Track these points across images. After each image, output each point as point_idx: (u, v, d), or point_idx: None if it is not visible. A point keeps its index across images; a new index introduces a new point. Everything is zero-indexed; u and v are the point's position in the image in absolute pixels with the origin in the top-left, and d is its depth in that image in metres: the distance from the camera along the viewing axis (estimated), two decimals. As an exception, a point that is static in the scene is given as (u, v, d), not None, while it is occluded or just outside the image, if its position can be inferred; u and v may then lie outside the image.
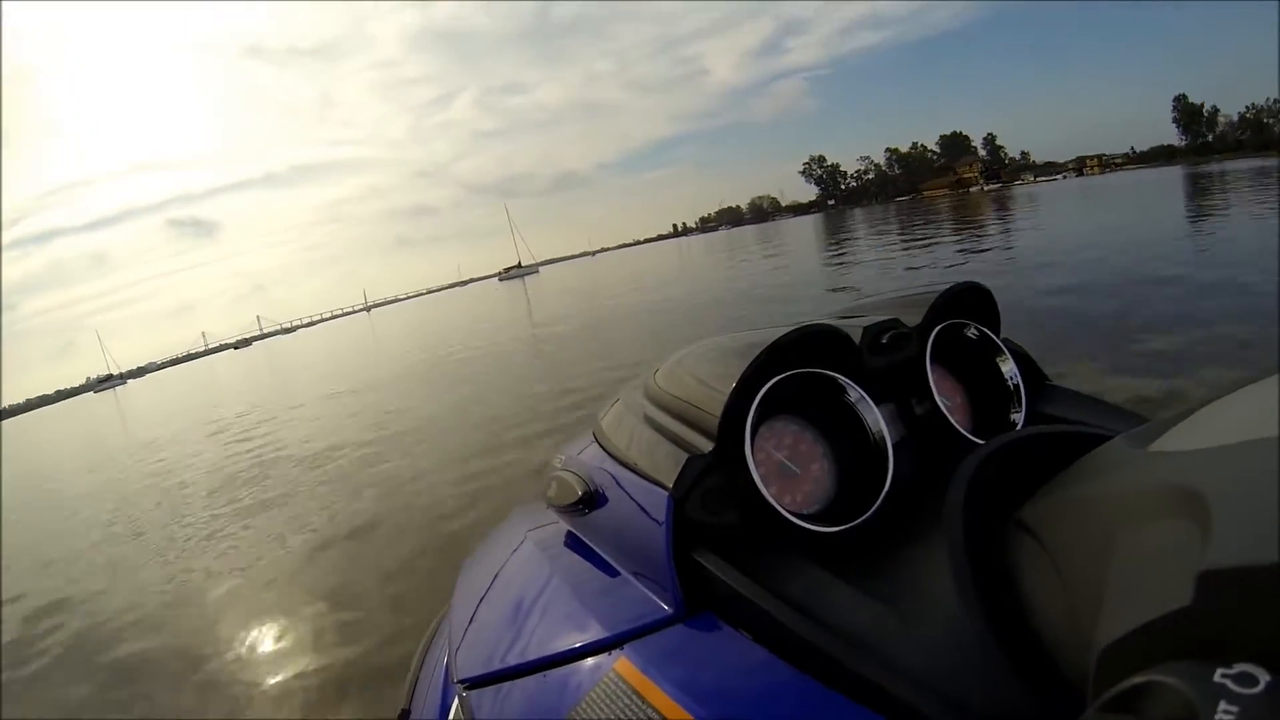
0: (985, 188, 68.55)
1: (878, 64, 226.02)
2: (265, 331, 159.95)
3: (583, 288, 21.61)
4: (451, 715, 0.42)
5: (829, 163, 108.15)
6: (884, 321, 0.53)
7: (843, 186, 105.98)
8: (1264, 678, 0.14)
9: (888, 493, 0.45)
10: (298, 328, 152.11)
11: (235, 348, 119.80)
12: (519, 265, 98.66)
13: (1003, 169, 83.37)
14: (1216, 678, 0.15)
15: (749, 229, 74.14)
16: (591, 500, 0.51)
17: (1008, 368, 0.57)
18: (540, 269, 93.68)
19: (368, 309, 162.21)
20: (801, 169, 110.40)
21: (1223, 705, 0.14)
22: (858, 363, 0.50)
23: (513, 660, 0.42)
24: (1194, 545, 0.18)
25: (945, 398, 0.54)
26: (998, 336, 0.59)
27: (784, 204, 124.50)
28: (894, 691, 0.30)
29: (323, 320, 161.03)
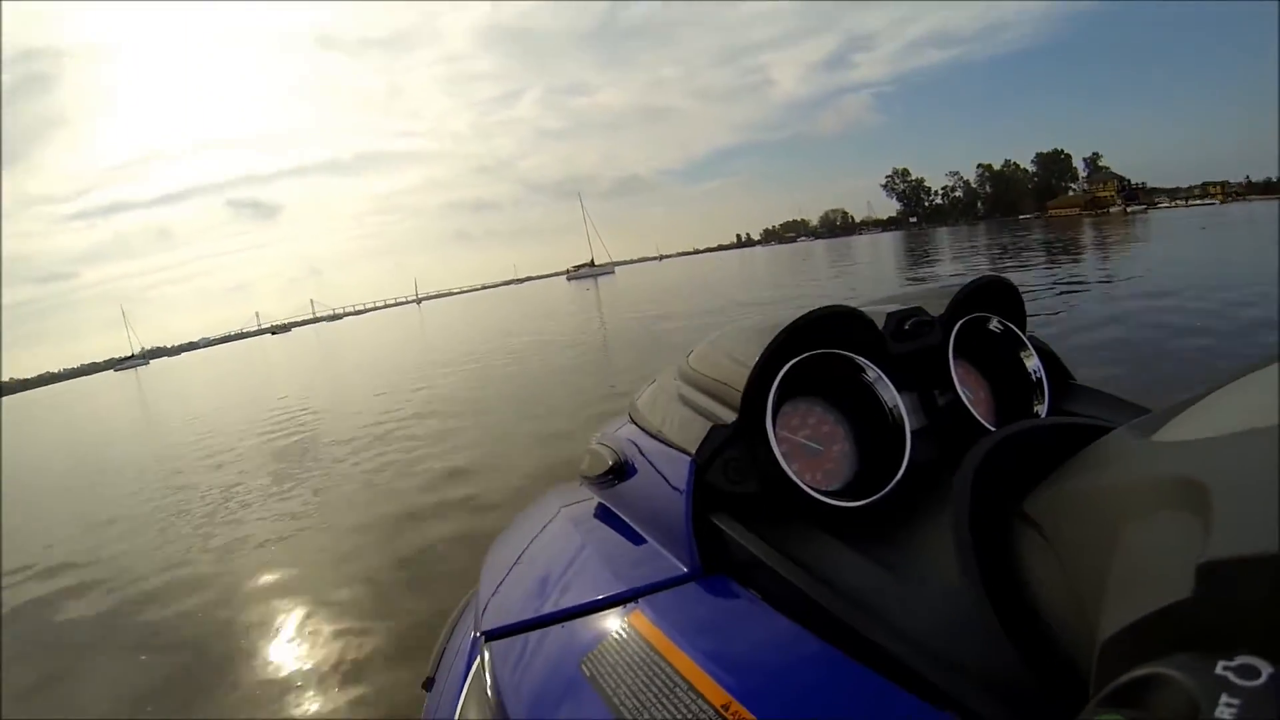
0: (1126, 210, 59.74)
1: (943, 82, 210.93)
2: (317, 315, 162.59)
3: (686, 293, 17.34)
4: (473, 669, 0.43)
5: (913, 177, 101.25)
6: (908, 309, 0.54)
7: (926, 203, 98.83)
8: (1266, 669, 0.14)
9: (905, 474, 0.45)
10: (345, 315, 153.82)
11: (273, 333, 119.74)
12: (591, 263, 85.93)
13: (1139, 190, 73.69)
14: (1218, 670, 0.15)
15: (819, 244, 69.73)
16: (621, 471, 0.52)
17: (1031, 362, 0.57)
18: (616, 269, 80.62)
19: (418, 301, 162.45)
20: (884, 182, 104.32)
21: (1224, 698, 0.14)
22: (881, 348, 0.51)
23: (534, 613, 0.44)
24: (1195, 536, 0.18)
25: (968, 390, 0.55)
26: (1023, 332, 0.59)
27: (858, 219, 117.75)
28: (892, 651, 0.30)
29: (374, 309, 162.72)
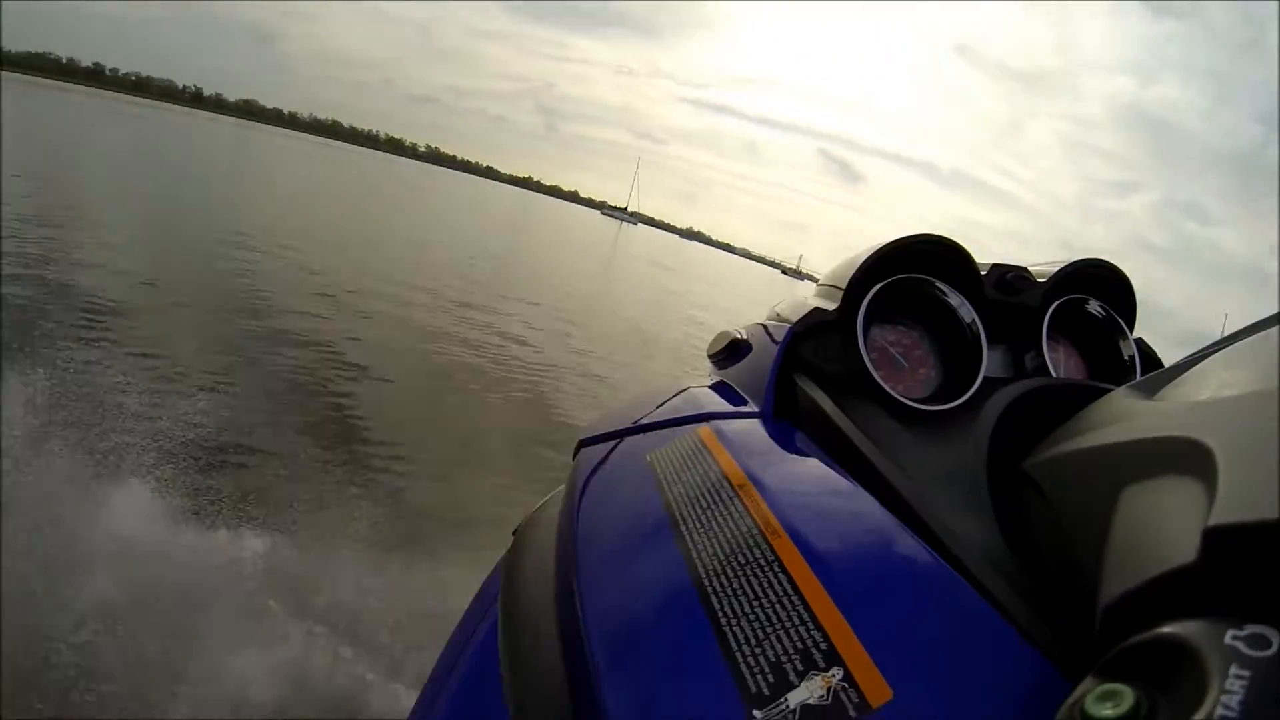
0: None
1: None
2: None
3: None
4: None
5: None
6: (1013, 265, 0.55)
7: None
8: (1276, 639, 0.14)
9: (976, 396, 0.46)
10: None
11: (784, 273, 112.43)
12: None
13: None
14: (1227, 640, 0.14)
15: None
16: (737, 348, 0.55)
17: (1128, 349, 0.56)
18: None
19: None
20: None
21: (1234, 669, 0.13)
22: (978, 289, 0.52)
23: (623, 427, 0.48)
24: (1199, 500, 0.18)
25: (1057, 361, 0.55)
26: (1130, 326, 0.58)
27: None
28: (913, 504, 0.31)
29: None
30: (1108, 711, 0.15)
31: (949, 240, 0.51)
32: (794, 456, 0.40)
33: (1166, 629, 0.16)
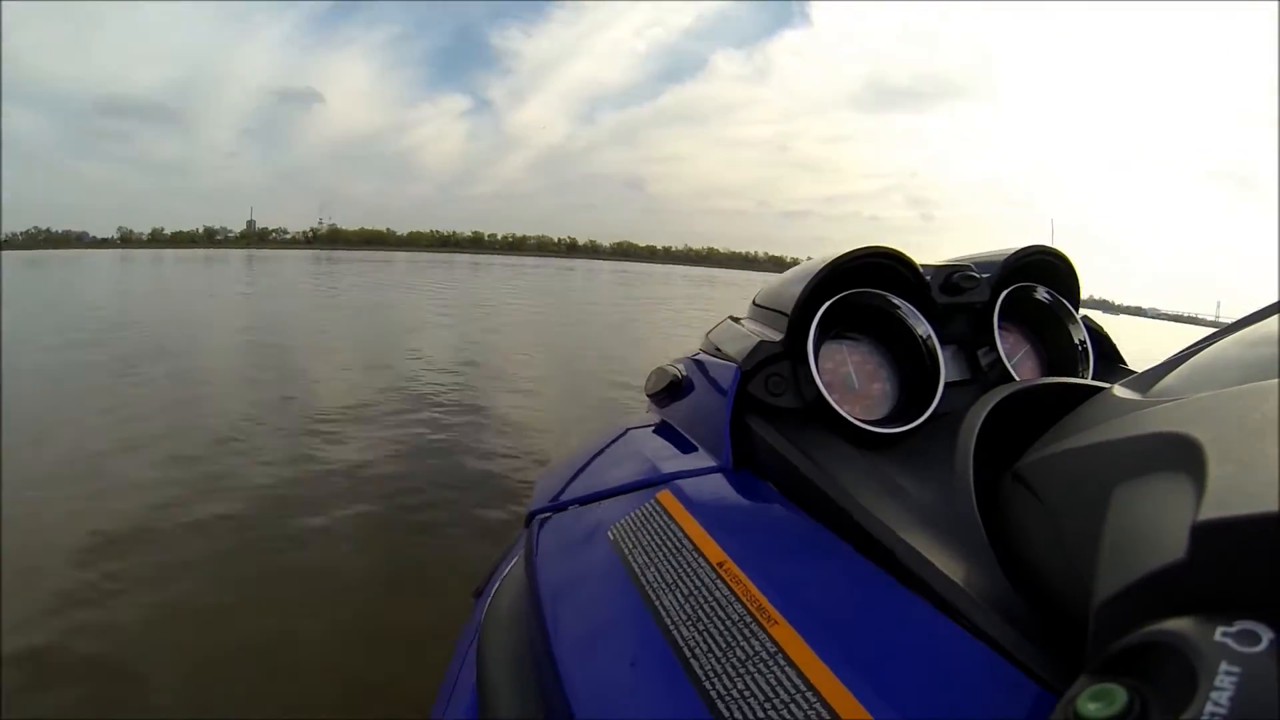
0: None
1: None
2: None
3: None
4: (522, 545, 0.46)
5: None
6: (957, 264, 0.55)
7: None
8: (1266, 635, 0.14)
9: (939, 416, 0.46)
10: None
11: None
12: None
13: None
14: (1217, 636, 0.14)
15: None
16: (678, 386, 0.55)
17: (1078, 334, 0.56)
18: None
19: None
20: None
21: (1224, 665, 0.13)
22: (925, 295, 0.52)
23: (577, 495, 0.47)
24: (1189, 496, 0.18)
25: (1011, 353, 0.55)
26: (1075, 308, 0.58)
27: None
28: (886, 542, 0.31)
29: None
30: (1099, 711, 0.15)
31: (893, 250, 0.51)
32: (766, 516, 0.39)
33: (1157, 627, 0.15)
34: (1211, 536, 0.16)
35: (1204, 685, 0.13)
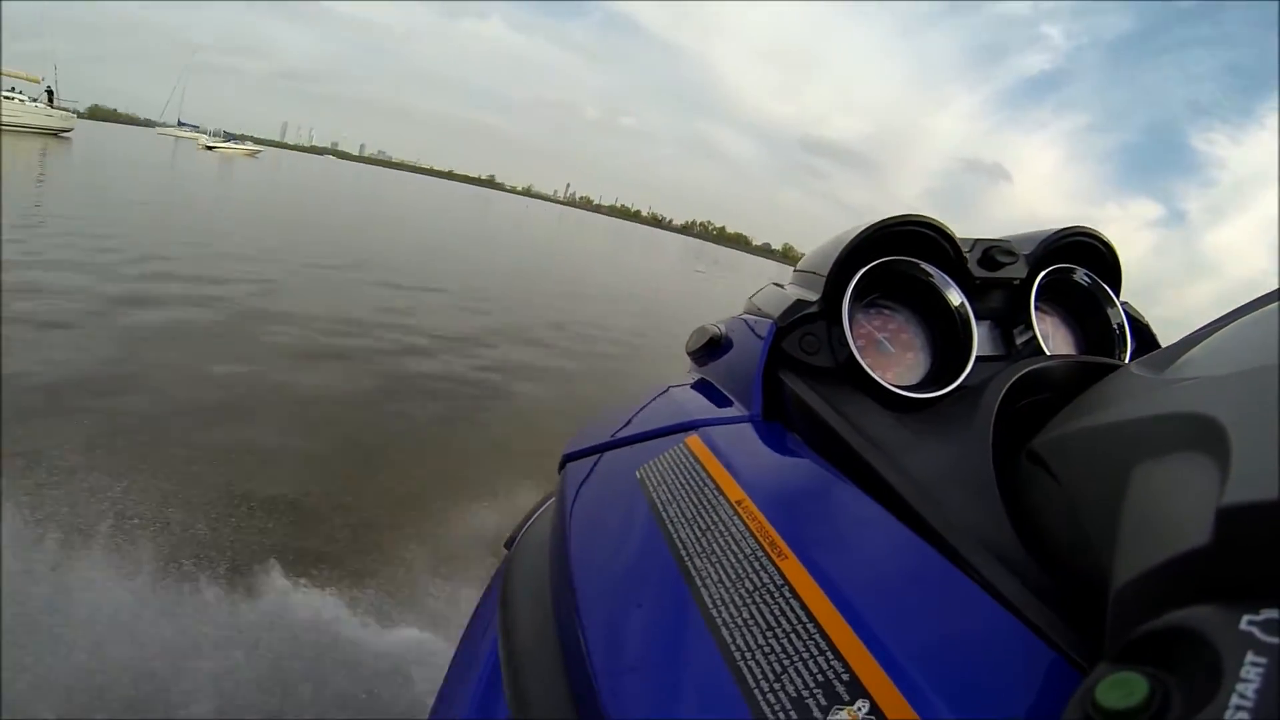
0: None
1: None
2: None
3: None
4: (554, 493, 0.47)
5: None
6: (996, 240, 0.54)
7: None
8: None
9: (968, 380, 0.45)
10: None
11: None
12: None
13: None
14: (1242, 625, 0.14)
15: None
16: (717, 343, 0.55)
17: (1117, 318, 0.56)
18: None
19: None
20: None
21: (1250, 656, 0.13)
22: (962, 268, 0.51)
23: (607, 438, 0.48)
24: (1212, 479, 0.17)
25: (1047, 334, 0.54)
26: (1116, 292, 0.57)
27: None
28: (907, 498, 0.31)
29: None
30: (1120, 701, 0.14)
31: (932, 220, 0.50)
32: (790, 463, 0.40)
33: (1179, 615, 0.15)
34: (1236, 521, 0.15)
35: (1229, 677, 0.13)
